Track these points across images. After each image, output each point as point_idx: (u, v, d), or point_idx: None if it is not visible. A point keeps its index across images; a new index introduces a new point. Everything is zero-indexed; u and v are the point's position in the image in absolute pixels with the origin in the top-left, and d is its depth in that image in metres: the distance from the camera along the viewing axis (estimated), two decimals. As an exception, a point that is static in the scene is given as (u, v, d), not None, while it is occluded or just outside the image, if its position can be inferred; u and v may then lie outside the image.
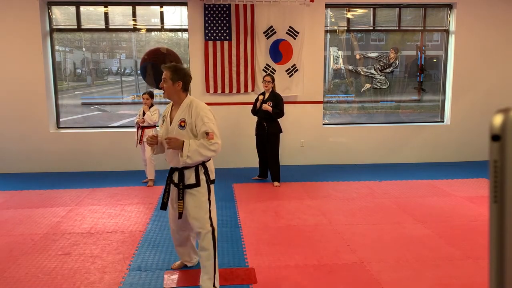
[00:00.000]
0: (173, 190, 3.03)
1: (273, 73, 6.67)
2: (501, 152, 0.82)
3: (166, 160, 3.04)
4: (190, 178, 2.92)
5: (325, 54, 7.10)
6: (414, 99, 7.59)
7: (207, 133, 2.82)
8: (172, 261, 3.47)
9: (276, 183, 5.84)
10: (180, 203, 2.92)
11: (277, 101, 5.69)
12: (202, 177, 2.94)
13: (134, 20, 6.83)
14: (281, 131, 5.84)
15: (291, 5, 6.63)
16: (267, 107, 5.64)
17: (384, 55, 7.35)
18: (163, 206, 3.02)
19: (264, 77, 5.84)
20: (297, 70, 6.80)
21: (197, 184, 2.92)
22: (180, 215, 2.95)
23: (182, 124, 2.88)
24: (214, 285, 2.90)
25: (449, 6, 7.18)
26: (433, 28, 7.31)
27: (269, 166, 5.94)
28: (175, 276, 3.22)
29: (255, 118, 5.97)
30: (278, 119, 5.79)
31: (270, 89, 5.75)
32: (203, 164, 2.95)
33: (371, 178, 6.20)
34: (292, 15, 6.67)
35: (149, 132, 5.79)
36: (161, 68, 2.96)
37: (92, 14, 6.90)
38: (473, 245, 3.76)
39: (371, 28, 7.22)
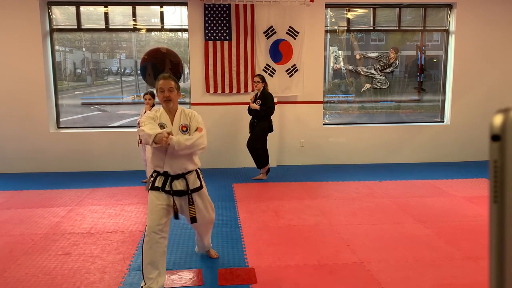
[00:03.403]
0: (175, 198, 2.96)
1: (273, 73, 6.70)
2: (501, 152, 0.82)
3: (163, 168, 2.91)
4: (195, 182, 3.02)
5: (325, 54, 7.10)
6: (414, 99, 7.58)
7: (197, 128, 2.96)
8: (172, 261, 3.47)
9: (261, 171, 6.10)
10: (192, 207, 2.98)
11: (265, 99, 5.78)
12: (201, 178, 3.10)
13: (134, 20, 6.83)
14: (270, 129, 5.94)
15: (291, 5, 6.63)
16: (255, 105, 5.79)
17: (384, 55, 7.35)
18: (176, 216, 2.95)
19: (253, 77, 5.95)
20: (297, 70, 6.79)
21: (201, 186, 3.07)
22: (194, 219, 2.99)
23: (184, 128, 2.94)
24: None
25: (449, 6, 7.17)
26: (433, 28, 7.30)
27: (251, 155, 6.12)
28: (175, 276, 3.22)
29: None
30: (271, 118, 5.90)
31: (261, 89, 5.84)
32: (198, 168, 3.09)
33: (371, 178, 6.20)
34: (292, 15, 6.67)
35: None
36: (163, 78, 2.91)
37: (92, 14, 6.89)
38: (473, 245, 3.76)
39: (371, 28, 7.21)
